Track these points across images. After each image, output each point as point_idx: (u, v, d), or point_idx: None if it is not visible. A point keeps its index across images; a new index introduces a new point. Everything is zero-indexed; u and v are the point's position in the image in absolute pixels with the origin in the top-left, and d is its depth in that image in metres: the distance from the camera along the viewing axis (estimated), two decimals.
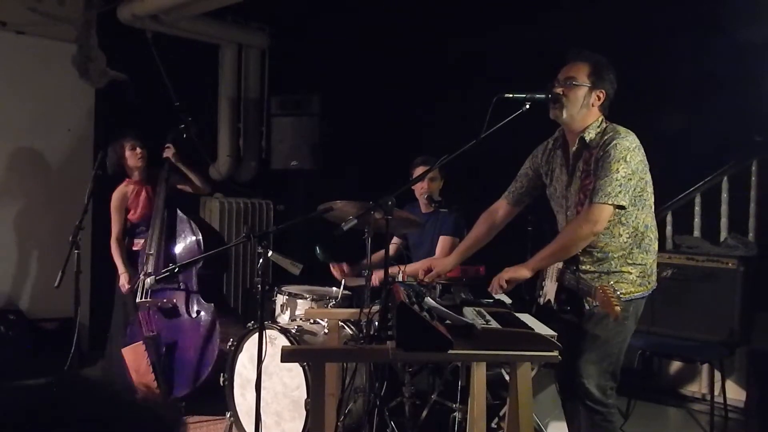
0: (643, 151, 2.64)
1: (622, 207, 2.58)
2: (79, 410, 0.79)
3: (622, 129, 2.67)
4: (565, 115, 2.70)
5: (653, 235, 2.73)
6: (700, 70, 4.45)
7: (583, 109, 2.69)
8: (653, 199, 2.73)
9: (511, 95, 2.63)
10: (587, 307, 2.64)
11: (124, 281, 4.21)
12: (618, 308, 2.30)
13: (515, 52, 4.80)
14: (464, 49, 5.23)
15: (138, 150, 4.27)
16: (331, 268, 4.10)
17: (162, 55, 5.42)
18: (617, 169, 2.55)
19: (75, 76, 5.16)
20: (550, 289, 2.81)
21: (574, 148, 2.76)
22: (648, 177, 2.68)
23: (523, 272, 2.65)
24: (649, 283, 2.72)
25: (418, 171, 4.07)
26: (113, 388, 0.85)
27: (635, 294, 2.68)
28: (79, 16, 5.17)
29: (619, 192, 2.55)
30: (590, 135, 2.69)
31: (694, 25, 4.48)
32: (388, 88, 5.50)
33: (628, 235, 2.67)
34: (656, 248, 2.76)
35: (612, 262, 2.68)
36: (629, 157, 2.56)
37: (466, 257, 3.05)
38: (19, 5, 5.01)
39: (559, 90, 2.70)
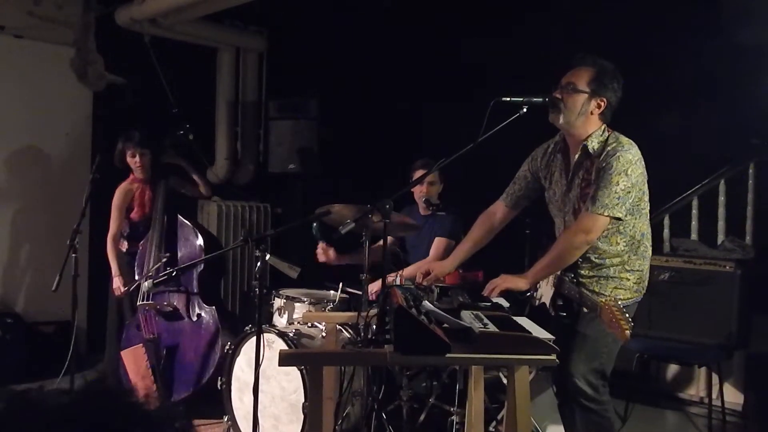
0: (643, 163, 2.65)
1: (618, 219, 2.59)
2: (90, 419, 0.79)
3: (625, 140, 2.66)
4: (562, 120, 2.69)
5: (648, 242, 2.77)
6: (697, 72, 4.46)
7: (581, 116, 2.67)
8: (648, 207, 2.76)
9: (508, 99, 2.63)
10: (584, 309, 2.66)
11: (118, 284, 4.20)
12: (628, 332, 2.28)
13: (514, 55, 4.81)
14: (463, 52, 5.23)
15: (137, 159, 4.27)
16: (318, 248, 4.01)
17: (160, 58, 5.43)
18: (617, 181, 2.56)
19: (73, 80, 5.16)
20: (545, 293, 2.82)
21: (576, 156, 2.75)
22: (646, 188, 2.70)
23: (520, 284, 2.65)
24: (642, 288, 2.76)
25: (418, 173, 4.06)
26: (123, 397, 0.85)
27: (630, 300, 2.70)
28: (77, 19, 5.17)
29: (617, 204, 2.56)
30: (593, 144, 2.68)
31: (690, 28, 4.49)
32: (386, 91, 5.50)
33: (625, 244, 2.69)
34: (650, 254, 2.79)
35: (611, 269, 2.70)
36: (630, 170, 2.57)
37: (464, 260, 3.04)
38: (18, 9, 5.01)
39: (558, 95, 2.69)
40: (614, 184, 2.56)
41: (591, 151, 2.68)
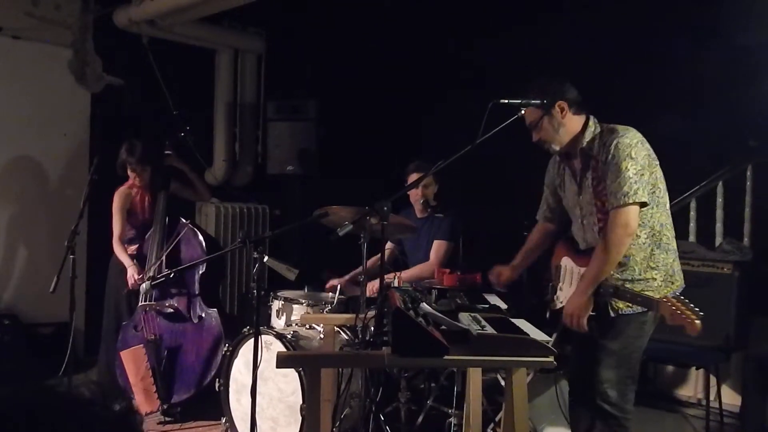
0: (647, 144, 2.61)
1: (644, 204, 2.55)
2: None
3: (619, 127, 2.65)
4: (556, 147, 2.74)
5: (670, 233, 2.69)
6: (696, 74, 4.46)
7: (560, 128, 2.71)
8: (667, 197, 2.70)
9: (506, 101, 2.64)
10: (612, 314, 2.60)
11: (133, 272, 4.18)
12: (698, 322, 2.24)
13: (513, 57, 4.81)
14: (462, 53, 5.24)
15: (137, 175, 4.26)
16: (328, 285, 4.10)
17: (158, 59, 5.42)
18: (626, 167, 2.53)
19: (71, 81, 5.15)
20: (567, 295, 2.76)
21: (577, 161, 2.75)
22: (657, 172, 2.64)
23: (590, 306, 2.58)
24: (673, 283, 2.67)
25: (412, 177, 4.08)
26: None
27: None
28: (75, 20, 5.16)
29: (637, 189, 2.52)
30: (586, 140, 2.68)
31: (689, 30, 4.50)
32: (385, 93, 5.50)
33: (646, 236, 2.62)
34: (675, 246, 2.71)
35: (636, 268, 2.62)
36: (634, 153, 2.54)
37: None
38: (16, 10, 5.00)
39: (536, 136, 2.75)
40: (624, 170, 2.53)
41: (588, 149, 2.68)
